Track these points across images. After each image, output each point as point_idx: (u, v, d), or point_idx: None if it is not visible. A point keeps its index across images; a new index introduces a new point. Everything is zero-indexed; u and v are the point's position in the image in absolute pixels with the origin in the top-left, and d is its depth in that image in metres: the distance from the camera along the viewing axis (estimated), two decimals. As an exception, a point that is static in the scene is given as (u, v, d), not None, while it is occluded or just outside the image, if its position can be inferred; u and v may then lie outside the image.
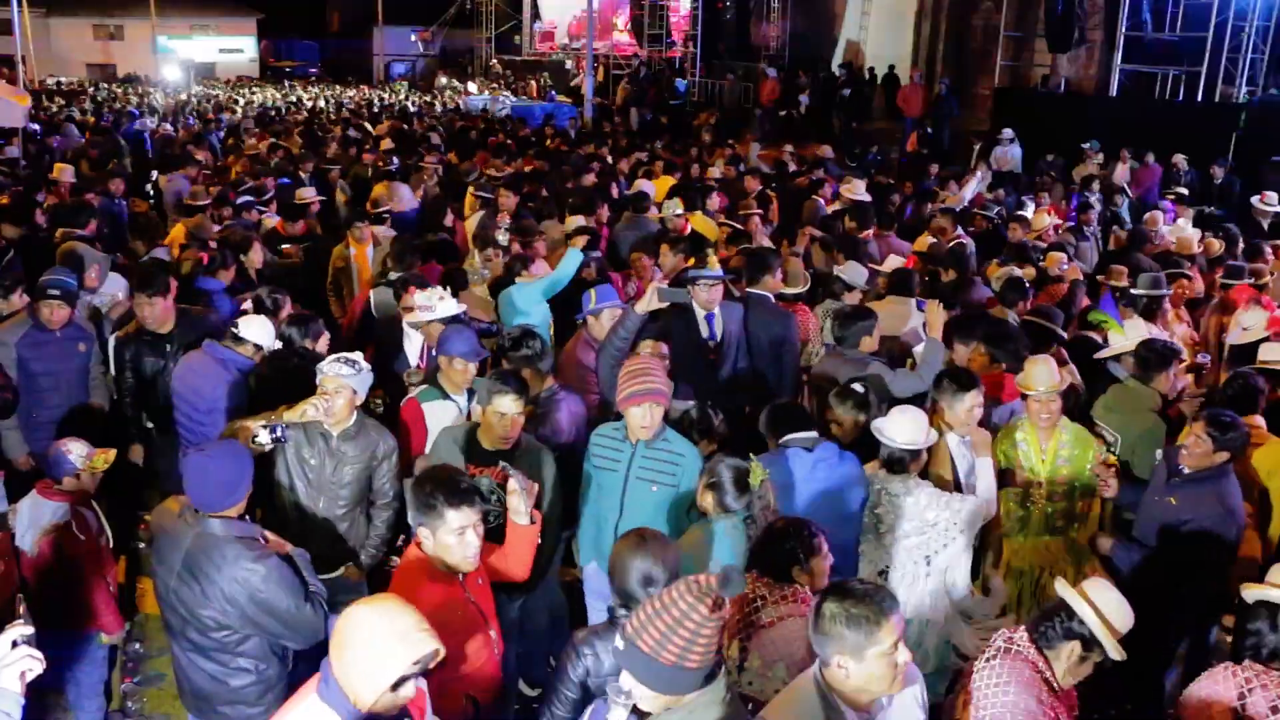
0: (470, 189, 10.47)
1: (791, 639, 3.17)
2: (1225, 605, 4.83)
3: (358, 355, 4.36)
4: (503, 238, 7.51)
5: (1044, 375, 4.62)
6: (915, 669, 2.85)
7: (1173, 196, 11.18)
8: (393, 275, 6.63)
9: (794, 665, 3.10)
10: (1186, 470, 4.30)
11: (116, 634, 4.43)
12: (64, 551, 4.19)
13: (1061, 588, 3.02)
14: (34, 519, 4.21)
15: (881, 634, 2.50)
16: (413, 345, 5.82)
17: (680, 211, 8.81)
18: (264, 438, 3.96)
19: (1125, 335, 5.81)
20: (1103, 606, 2.92)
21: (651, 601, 2.43)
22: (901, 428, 4.15)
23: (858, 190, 10.04)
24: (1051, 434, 4.68)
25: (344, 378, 4.19)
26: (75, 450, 4.32)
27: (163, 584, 3.46)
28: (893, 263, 7.35)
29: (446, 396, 4.86)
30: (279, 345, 5.17)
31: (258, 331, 5.07)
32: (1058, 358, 5.30)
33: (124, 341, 5.52)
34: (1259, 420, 4.94)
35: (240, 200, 9.40)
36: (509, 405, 4.03)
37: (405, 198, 10.20)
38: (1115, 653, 2.88)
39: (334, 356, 4.31)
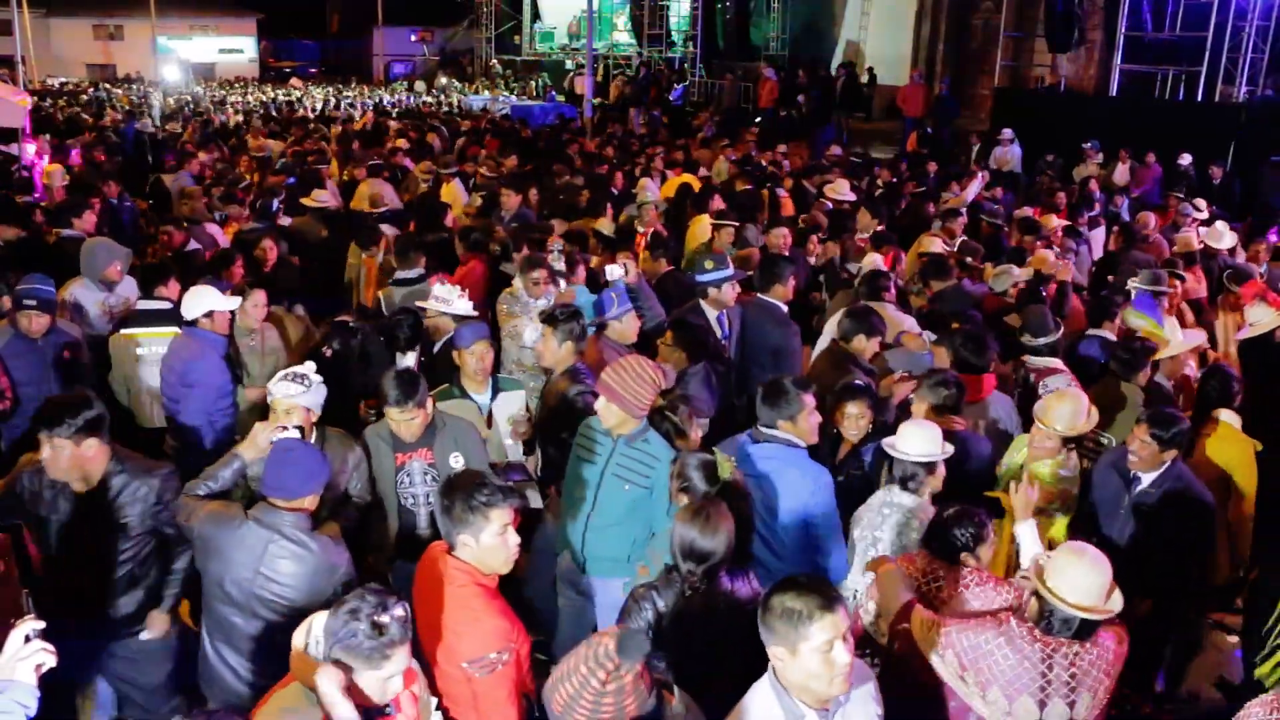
0: (447, 180, 10.54)
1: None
2: (1216, 602, 4.86)
3: (308, 368, 4.23)
4: (557, 261, 6.71)
5: (1063, 416, 4.40)
6: (867, 669, 2.87)
7: (1185, 199, 11.00)
8: (400, 274, 6.59)
9: None
10: (1144, 477, 4.36)
11: None
12: None
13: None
14: None
15: (812, 629, 2.48)
16: (405, 364, 5.63)
17: (649, 200, 8.91)
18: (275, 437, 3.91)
19: (1165, 334, 5.80)
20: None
21: (563, 663, 2.51)
22: (912, 440, 4.02)
23: (842, 190, 10.03)
24: (1037, 460, 4.57)
25: (292, 397, 4.09)
26: None
27: (234, 585, 3.44)
28: (870, 263, 7.27)
29: (465, 395, 4.88)
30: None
31: (205, 302, 5.18)
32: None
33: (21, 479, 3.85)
34: (1231, 416, 5.00)
35: (275, 206, 9.42)
36: (397, 414, 4.18)
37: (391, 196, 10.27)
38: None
39: (283, 373, 4.20)
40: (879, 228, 8.63)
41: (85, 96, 27.11)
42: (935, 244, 8.09)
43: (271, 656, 3.42)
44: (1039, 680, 2.97)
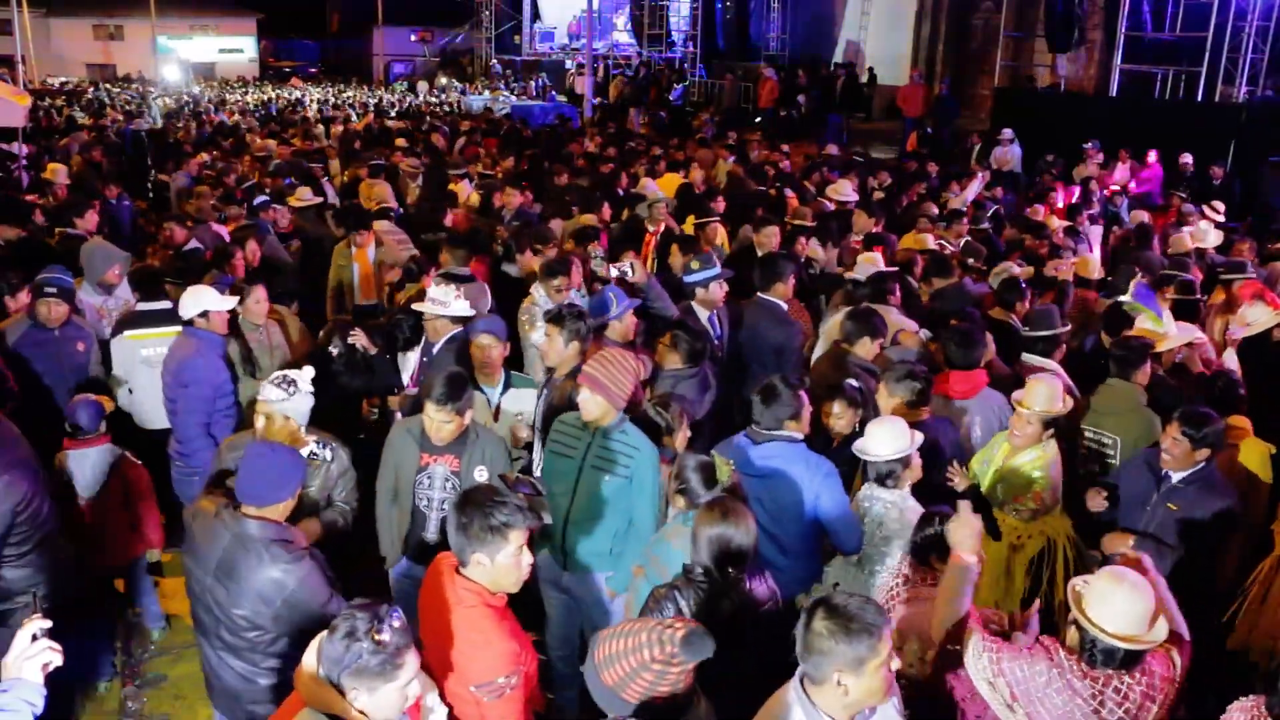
0: (455, 182, 10.56)
1: (926, 617, 3.29)
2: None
3: (302, 374, 4.16)
4: (599, 266, 6.55)
5: (1040, 396, 4.51)
6: (894, 679, 2.86)
7: (1189, 200, 11.05)
8: (454, 270, 6.54)
9: (926, 641, 3.33)
10: (1174, 475, 4.34)
11: (160, 549, 5.10)
12: (127, 482, 4.88)
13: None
14: (96, 465, 4.78)
15: (881, 645, 2.51)
16: (406, 363, 5.70)
17: (660, 199, 8.95)
18: (317, 451, 3.87)
19: (1164, 327, 5.82)
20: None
21: (623, 624, 2.55)
22: (882, 440, 4.07)
23: (844, 191, 9.99)
24: (1016, 452, 4.61)
25: (272, 403, 4.04)
26: (91, 399, 4.85)
27: (198, 583, 3.45)
28: (869, 262, 7.20)
29: (475, 387, 4.87)
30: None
31: (202, 301, 5.15)
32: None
33: None
34: (1243, 420, 4.99)
35: (258, 201, 9.42)
36: (433, 412, 4.12)
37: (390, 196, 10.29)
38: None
39: (274, 376, 4.16)
40: (875, 229, 8.61)
41: (88, 96, 27.11)
42: (928, 241, 8.09)
43: (233, 654, 3.46)
44: (1091, 718, 2.86)
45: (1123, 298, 6.30)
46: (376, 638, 2.48)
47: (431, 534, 4.29)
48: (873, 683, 2.53)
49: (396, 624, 2.52)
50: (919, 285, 7.09)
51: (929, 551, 3.55)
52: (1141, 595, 2.88)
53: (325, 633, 2.56)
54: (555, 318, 4.94)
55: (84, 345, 5.64)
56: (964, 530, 3.19)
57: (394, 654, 2.50)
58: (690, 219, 9.11)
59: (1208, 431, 4.23)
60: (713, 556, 3.28)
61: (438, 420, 4.11)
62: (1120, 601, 2.86)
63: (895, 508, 4.04)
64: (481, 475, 4.18)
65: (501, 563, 3.01)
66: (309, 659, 2.62)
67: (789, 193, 10.60)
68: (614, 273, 6.05)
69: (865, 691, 2.53)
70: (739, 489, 3.82)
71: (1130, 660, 2.87)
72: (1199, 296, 6.91)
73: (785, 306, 6.12)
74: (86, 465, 4.77)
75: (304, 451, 3.88)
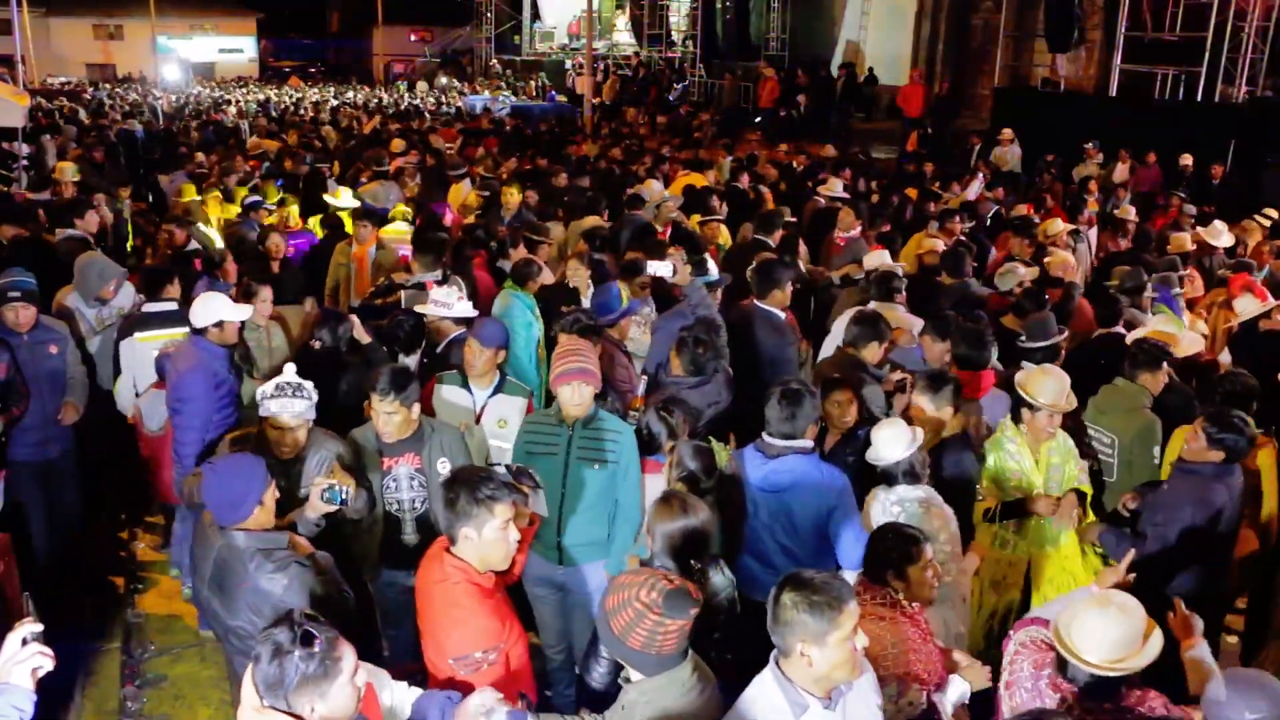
0: (455, 183, 10.54)
1: (878, 639, 3.16)
2: (1226, 605, 4.86)
3: (284, 377, 4.09)
4: (665, 269, 6.33)
5: (1052, 389, 4.53)
6: (866, 659, 2.85)
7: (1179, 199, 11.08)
8: (421, 277, 6.47)
9: (903, 682, 3.19)
10: (1187, 462, 4.36)
11: None
12: None
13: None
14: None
15: (843, 619, 2.55)
16: (408, 362, 5.59)
17: (668, 198, 8.98)
18: (328, 496, 3.72)
19: (1183, 325, 5.83)
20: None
21: (629, 572, 2.73)
22: (892, 443, 4.04)
23: (836, 188, 10.01)
24: (1042, 444, 4.62)
25: (276, 415, 4.01)
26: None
27: (199, 593, 3.46)
28: (875, 259, 7.22)
29: (465, 385, 4.88)
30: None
31: (215, 310, 4.96)
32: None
33: None
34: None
35: (248, 201, 9.41)
36: (378, 403, 4.10)
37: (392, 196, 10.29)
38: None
39: (275, 381, 4.08)
40: (858, 228, 8.60)
41: (87, 96, 27.09)
42: (937, 244, 8.08)
43: (236, 658, 3.44)
44: None
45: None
46: (306, 648, 2.39)
47: (409, 535, 4.24)
48: (836, 656, 2.56)
49: (318, 622, 2.46)
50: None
51: (885, 569, 3.34)
52: (1124, 621, 2.78)
53: (251, 666, 2.46)
54: (583, 329, 4.94)
55: (57, 348, 5.41)
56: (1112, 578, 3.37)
57: (329, 650, 2.42)
58: (695, 218, 9.11)
59: (1225, 436, 4.21)
60: (675, 550, 3.32)
61: (383, 413, 4.09)
62: (1098, 627, 2.77)
63: (922, 503, 3.97)
64: (445, 468, 4.15)
65: (488, 536, 3.11)
66: (247, 697, 2.48)
67: (765, 190, 10.63)
68: (650, 272, 6.03)
69: (830, 665, 2.58)
70: (737, 474, 3.85)
71: (1100, 690, 2.78)
72: (1178, 290, 6.92)
73: (782, 315, 5.97)
74: (159, 404, 5.31)
75: (317, 492, 3.73)
